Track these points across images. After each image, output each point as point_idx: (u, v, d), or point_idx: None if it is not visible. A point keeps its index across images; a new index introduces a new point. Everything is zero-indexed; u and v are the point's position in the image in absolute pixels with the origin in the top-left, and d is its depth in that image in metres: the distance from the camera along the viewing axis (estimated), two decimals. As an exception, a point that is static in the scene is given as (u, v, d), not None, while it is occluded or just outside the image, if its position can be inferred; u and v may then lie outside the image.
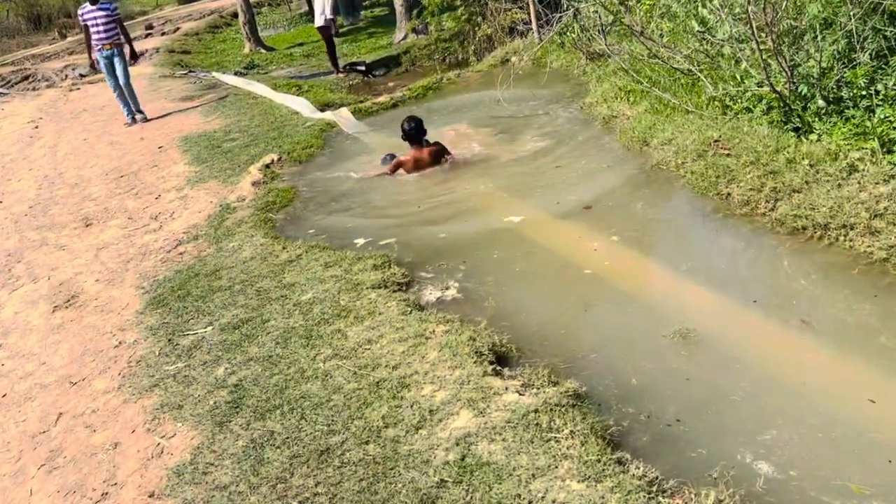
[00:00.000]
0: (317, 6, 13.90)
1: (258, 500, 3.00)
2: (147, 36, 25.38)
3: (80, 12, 10.94)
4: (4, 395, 4.25)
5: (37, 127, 12.84)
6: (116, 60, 11.00)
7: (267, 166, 7.53)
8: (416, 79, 12.93)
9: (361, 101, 10.31)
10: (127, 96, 11.18)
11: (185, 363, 4.15)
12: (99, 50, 10.90)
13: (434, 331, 3.82)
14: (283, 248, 5.35)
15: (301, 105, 10.14)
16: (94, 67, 12.06)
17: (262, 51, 18.23)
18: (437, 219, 5.65)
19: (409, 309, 4.12)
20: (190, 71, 16.31)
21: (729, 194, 4.86)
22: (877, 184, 4.21)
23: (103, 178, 8.62)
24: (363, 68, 13.94)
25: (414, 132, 6.68)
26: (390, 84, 12.74)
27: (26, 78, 19.69)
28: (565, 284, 4.37)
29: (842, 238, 4.09)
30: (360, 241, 5.41)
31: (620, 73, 7.82)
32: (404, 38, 15.54)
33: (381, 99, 9.93)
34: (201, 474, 3.22)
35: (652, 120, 6.26)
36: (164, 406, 3.79)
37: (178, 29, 25.28)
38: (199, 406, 3.70)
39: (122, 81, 11.06)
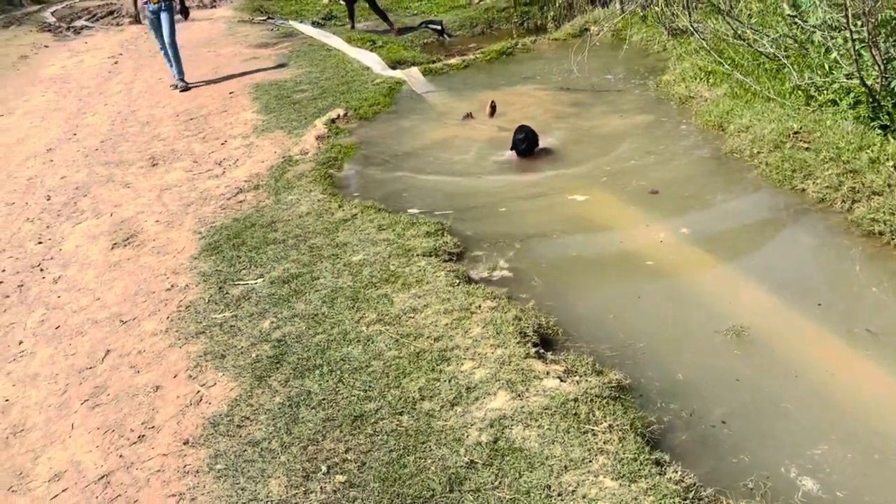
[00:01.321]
0: None
1: (288, 459, 3.00)
2: (230, -21, 25.60)
3: None
4: (58, 327, 4.35)
5: (116, 62, 13.07)
6: (164, 16, 9.80)
7: (332, 121, 7.50)
8: (491, 42, 12.72)
9: (433, 62, 10.18)
10: (171, 57, 10.07)
11: (233, 313, 4.18)
12: (146, 2, 9.66)
13: (480, 306, 3.76)
14: (339, 207, 5.33)
15: (373, 61, 10.07)
16: (137, 20, 11.57)
17: (341, 2, 18.13)
18: (498, 192, 5.54)
19: (458, 281, 4.06)
20: (269, 17, 16.36)
21: (804, 190, 4.64)
22: (966, 193, 3.94)
23: (173, 119, 8.73)
24: (439, 27, 13.74)
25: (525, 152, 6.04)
26: (465, 46, 12.54)
27: (111, 13, 20.06)
28: (621, 271, 4.25)
29: (921, 248, 3.86)
30: (416, 207, 5.35)
31: (702, 52, 7.52)
32: (484, -2, 15.25)
33: (453, 61, 9.77)
34: (236, 427, 3.25)
35: (731, 104, 6.00)
36: (207, 354, 3.82)
37: (260, -26, 25.36)
38: (242, 358, 3.73)
39: (166, 40, 9.91)
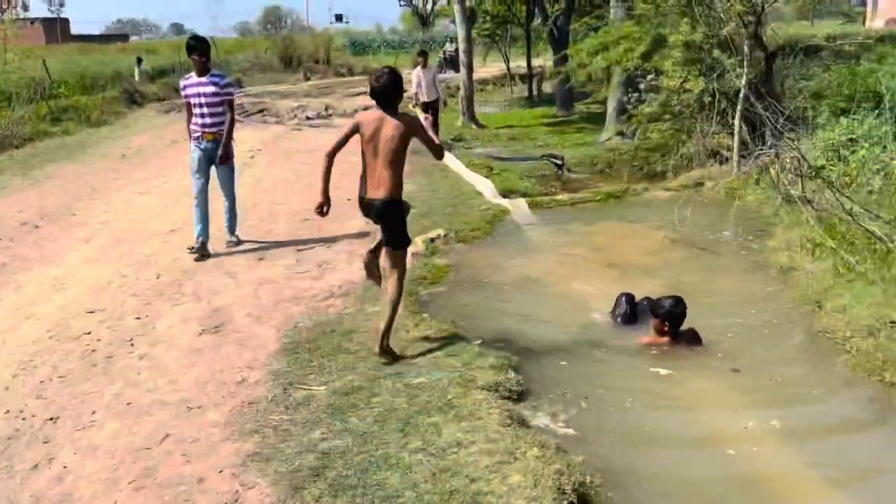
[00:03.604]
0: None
1: (300, 577, 3.00)
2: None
3: (181, 84, 7.79)
4: (129, 403, 4.58)
5: (252, 157, 14.06)
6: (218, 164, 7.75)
7: (432, 240, 7.75)
8: (608, 181, 12.90)
9: (544, 194, 10.41)
10: (226, 209, 8.07)
11: (290, 417, 4.29)
12: (197, 139, 7.63)
13: (525, 452, 3.70)
14: (416, 325, 5.45)
15: (485, 186, 10.40)
16: None
17: (473, 126, 18.92)
18: (572, 342, 5.48)
19: (510, 422, 4.03)
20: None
21: (893, 384, 4.37)
22: None
23: (290, 217, 9.24)
24: (560, 161, 14.07)
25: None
26: (582, 183, 12.76)
27: (261, 111, 21.77)
28: (691, 454, 4.06)
29: None
30: (490, 338, 5.38)
31: (813, 223, 7.36)
32: (609, 139, 15.56)
33: (561, 196, 9.97)
34: (261, 534, 3.28)
35: (831, 281, 5.80)
36: (255, 454, 3.91)
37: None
38: (285, 464, 3.79)
39: (224, 189, 7.95)
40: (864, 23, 57.03)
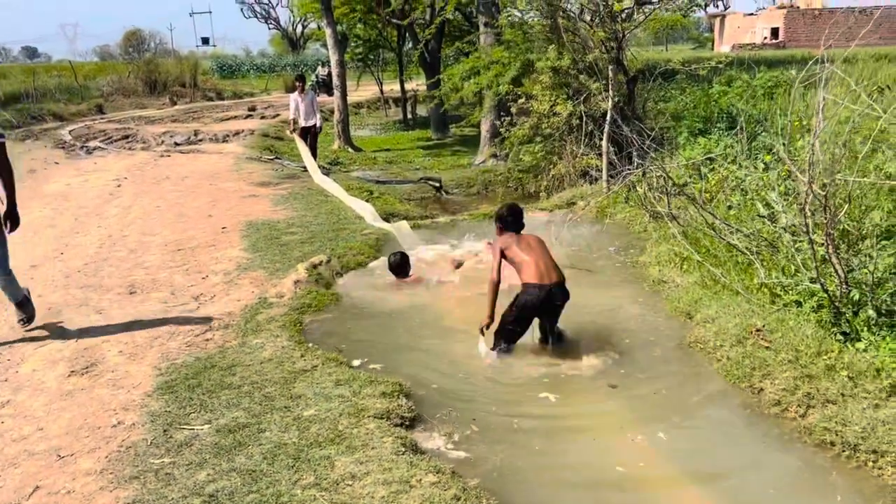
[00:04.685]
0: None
1: None
2: (247, 117, 26.76)
3: None
4: (-8, 456, 4.24)
5: (119, 185, 13.44)
6: None
7: (315, 266, 7.62)
8: (484, 202, 13.15)
9: (424, 217, 10.49)
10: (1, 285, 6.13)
11: (172, 459, 4.08)
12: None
13: (421, 480, 3.68)
14: (302, 356, 5.33)
15: (366, 211, 10.36)
16: None
17: (350, 150, 18.86)
18: (458, 365, 5.47)
19: (404, 449, 3.99)
20: (276, 157, 16.96)
21: (761, 389, 4.65)
22: (916, 412, 3.95)
23: (162, 249, 8.86)
24: (437, 184, 14.24)
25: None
26: (460, 204, 12.95)
27: (126, 137, 20.85)
28: (580, 475, 4.12)
29: (870, 463, 3.83)
30: (380, 365, 5.34)
31: (679, 238, 7.75)
32: (484, 161, 15.89)
33: (441, 219, 10.06)
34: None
35: (700, 293, 6.12)
36: (136, 502, 3.70)
37: (277, 115, 26.56)
38: (169, 510, 3.60)
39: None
40: (712, 47, 61.21)
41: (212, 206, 11.30)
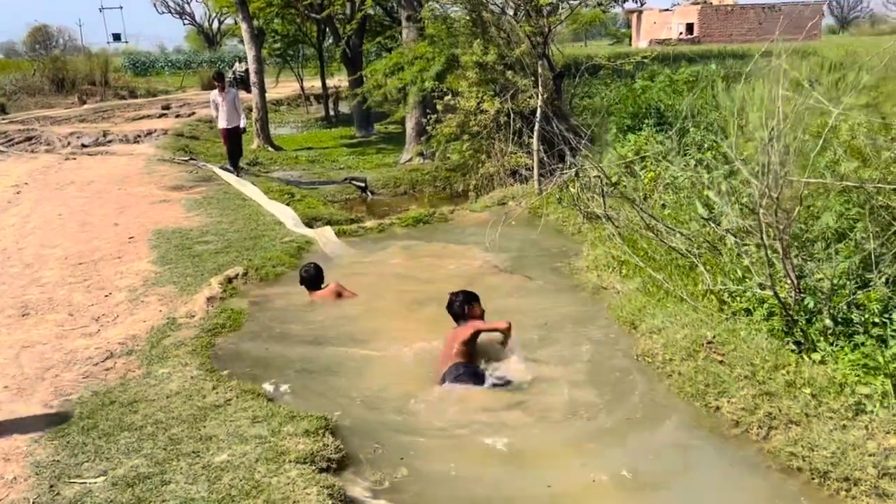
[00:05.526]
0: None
1: None
2: (161, 116, 25.56)
3: None
4: None
5: (19, 192, 12.44)
6: None
7: (230, 280, 7.02)
8: (413, 202, 12.69)
9: (350, 221, 9.96)
10: None
11: (57, 523, 3.49)
12: None
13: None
14: (214, 388, 4.75)
15: (286, 216, 9.75)
16: None
17: (270, 149, 18.11)
18: (390, 392, 4.96)
19: (332, 501, 3.49)
20: (191, 158, 16.09)
21: (718, 408, 4.32)
22: (887, 433, 3.67)
23: (61, 262, 8.09)
24: (363, 184, 13.71)
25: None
26: (389, 205, 12.46)
27: (29, 139, 19.54)
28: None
29: (843, 492, 3.52)
30: (302, 395, 4.81)
31: (616, 240, 7.45)
32: (409, 160, 15.43)
33: (369, 224, 9.53)
34: None
35: (643, 301, 5.79)
36: (9, 583, 3.10)
37: (192, 114, 25.47)
38: (50, 592, 3.02)
39: None
40: (630, 43, 62.17)
41: (119, 214, 10.49)
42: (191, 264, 7.73)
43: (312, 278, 6.72)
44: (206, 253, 8.16)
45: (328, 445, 4.00)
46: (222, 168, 14.32)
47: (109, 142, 19.10)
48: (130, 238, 9.05)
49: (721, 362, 4.59)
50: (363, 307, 6.47)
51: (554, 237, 8.48)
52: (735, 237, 5.69)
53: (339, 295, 6.67)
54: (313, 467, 3.80)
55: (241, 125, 14.08)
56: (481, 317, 5.33)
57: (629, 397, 4.70)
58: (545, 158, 10.31)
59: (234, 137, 14.13)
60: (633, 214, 7.55)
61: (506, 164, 11.63)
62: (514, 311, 6.00)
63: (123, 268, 7.82)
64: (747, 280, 5.27)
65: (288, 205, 10.64)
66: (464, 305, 5.28)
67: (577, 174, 8.44)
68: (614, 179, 9.10)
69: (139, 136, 19.84)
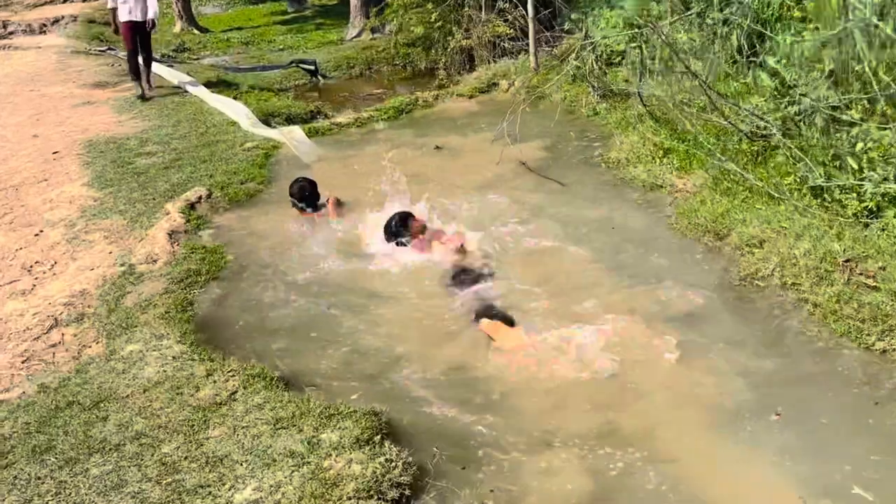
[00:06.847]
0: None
1: None
2: (67, 0, 22.67)
3: None
4: None
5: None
6: None
7: (191, 206, 5.64)
8: (372, 86, 11.17)
9: (316, 114, 8.49)
10: None
11: None
12: None
13: None
14: (208, 374, 3.50)
15: (240, 113, 8.20)
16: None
17: (196, 31, 16.19)
18: (441, 360, 3.76)
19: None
20: (109, 48, 14.04)
21: (884, 351, 3.30)
22: None
23: (-29, 192, 6.55)
24: (312, 68, 12.06)
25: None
26: (346, 90, 10.93)
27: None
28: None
29: None
30: (326, 372, 3.61)
31: (648, 120, 6.25)
32: (358, 35, 13.79)
33: (342, 119, 8.04)
34: None
35: (723, 204, 4.66)
36: None
37: (102, -5, 22.68)
38: None
39: None
40: None
41: (36, 122, 8.78)
42: (137, 185, 6.29)
43: (310, 196, 5.41)
44: (153, 169, 6.69)
45: (392, 460, 2.83)
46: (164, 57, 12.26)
47: (11, 34, 16.69)
48: (55, 153, 7.46)
49: (875, 287, 3.54)
50: (370, 224, 5.18)
51: (569, 121, 7.17)
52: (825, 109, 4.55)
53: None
54: (379, 502, 2.66)
55: (151, 16, 9.48)
56: (422, 232, 4.89)
57: (759, 338, 3.60)
58: (529, 26, 8.82)
59: (140, 36, 9.68)
60: (657, 88, 6.32)
61: (481, 36, 10.13)
62: (560, 234, 4.84)
63: (52, 194, 6.34)
64: (865, 170, 4.17)
65: (235, 99, 9.05)
66: (400, 226, 4.86)
67: (590, 42, 7.06)
68: (620, 48, 7.81)
69: (45, 25, 17.40)
